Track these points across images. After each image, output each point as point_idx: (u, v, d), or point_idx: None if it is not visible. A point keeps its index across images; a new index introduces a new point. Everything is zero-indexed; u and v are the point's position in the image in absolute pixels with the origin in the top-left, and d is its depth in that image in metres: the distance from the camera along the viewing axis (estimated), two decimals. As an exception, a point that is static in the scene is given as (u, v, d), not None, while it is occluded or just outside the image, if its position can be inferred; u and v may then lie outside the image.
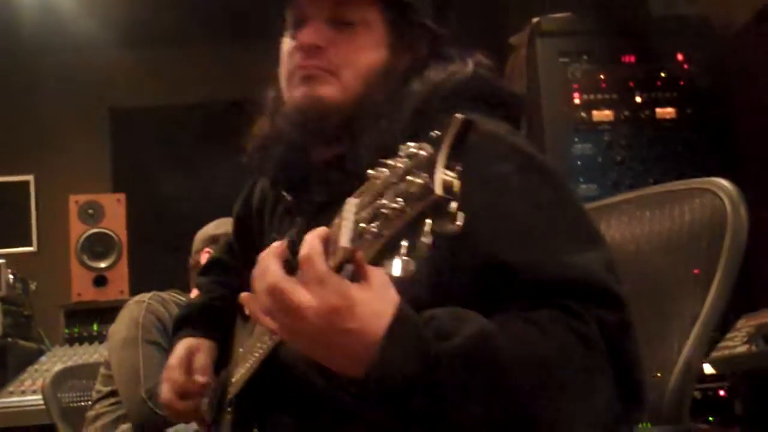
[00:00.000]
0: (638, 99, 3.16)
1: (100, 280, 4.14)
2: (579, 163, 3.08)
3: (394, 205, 0.77)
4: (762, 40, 3.04)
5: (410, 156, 0.78)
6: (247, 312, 1.04)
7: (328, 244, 0.89)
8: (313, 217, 1.23)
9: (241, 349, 1.35)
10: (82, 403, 2.79)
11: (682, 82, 3.18)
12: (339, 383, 0.93)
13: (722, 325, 2.20)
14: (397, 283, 0.87)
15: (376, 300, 0.88)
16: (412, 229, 0.78)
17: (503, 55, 3.43)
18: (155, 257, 3.51)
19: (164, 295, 2.67)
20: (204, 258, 2.72)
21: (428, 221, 0.77)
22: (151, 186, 4.70)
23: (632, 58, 3.20)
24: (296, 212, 1.30)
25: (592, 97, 3.15)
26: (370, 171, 0.82)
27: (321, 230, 0.90)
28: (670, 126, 3.14)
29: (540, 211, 1.06)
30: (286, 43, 1.26)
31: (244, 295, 1.04)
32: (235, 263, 1.61)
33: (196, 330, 1.49)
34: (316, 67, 1.19)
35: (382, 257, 0.82)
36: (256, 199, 1.49)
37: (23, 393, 3.50)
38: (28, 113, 4.81)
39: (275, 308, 0.89)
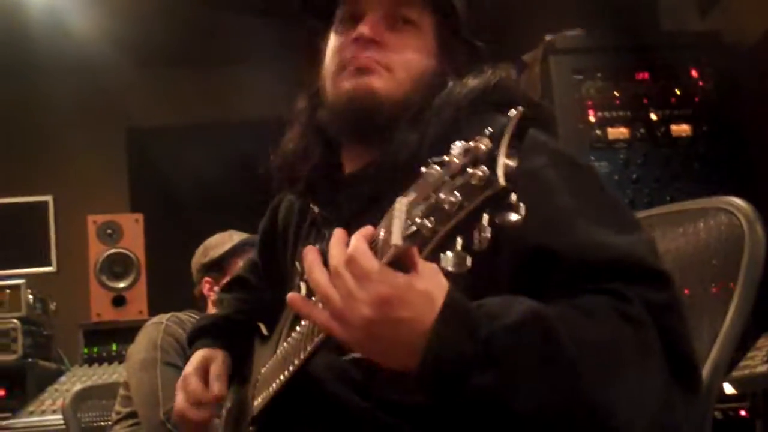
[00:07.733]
0: (653, 116, 3.15)
1: (118, 300, 4.15)
2: (595, 181, 3.08)
3: (452, 199, 0.76)
4: (776, 55, 3.04)
5: (466, 151, 0.77)
6: (292, 305, 0.99)
7: (373, 243, 0.89)
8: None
9: (263, 369, 1.33)
10: (102, 423, 2.79)
11: (696, 99, 3.18)
12: (377, 399, 0.92)
13: (742, 344, 2.19)
14: (447, 277, 0.87)
15: (426, 287, 0.88)
16: (468, 224, 0.77)
17: (516, 72, 3.43)
18: (174, 277, 3.52)
19: (182, 315, 2.67)
20: (206, 288, 2.76)
21: (486, 215, 0.76)
22: (170, 206, 4.73)
23: (646, 75, 3.20)
24: (325, 225, 1.30)
25: (606, 114, 3.15)
26: (423, 168, 0.81)
27: (365, 230, 0.90)
28: (685, 143, 3.13)
29: (578, 198, 1.07)
30: (334, 39, 1.28)
31: (291, 295, 0.99)
32: (258, 283, 1.61)
33: (213, 341, 1.48)
34: (372, 60, 1.21)
35: (437, 252, 0.81)
36: (282, 216, 1.50)
37: (43, 413, 3.51)
38: (46, 134, 4.84)
39: (337, 291, 0.88)
